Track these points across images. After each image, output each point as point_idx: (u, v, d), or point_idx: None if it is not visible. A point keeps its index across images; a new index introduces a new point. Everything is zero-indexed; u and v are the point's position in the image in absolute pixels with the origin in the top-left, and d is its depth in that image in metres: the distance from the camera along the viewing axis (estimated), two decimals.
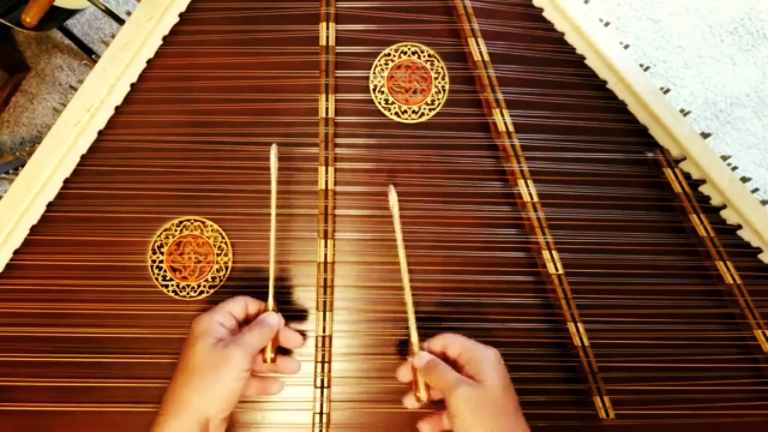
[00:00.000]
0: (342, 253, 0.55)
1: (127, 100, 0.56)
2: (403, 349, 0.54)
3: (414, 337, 0.49)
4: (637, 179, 0.58)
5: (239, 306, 0.49)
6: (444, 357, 0.48)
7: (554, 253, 0.55)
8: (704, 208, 0.57)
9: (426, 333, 0.55)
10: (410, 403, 0.49)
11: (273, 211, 0.51)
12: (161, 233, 0.55)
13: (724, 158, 0.56)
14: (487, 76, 0.57)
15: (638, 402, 0.54)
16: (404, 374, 0.49)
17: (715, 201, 0.57)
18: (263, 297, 0.52)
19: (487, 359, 0.46)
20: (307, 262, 0.55)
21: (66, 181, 0.55)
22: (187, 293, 0.54)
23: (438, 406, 0.49)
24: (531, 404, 0.53)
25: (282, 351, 0.52)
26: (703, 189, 0.58)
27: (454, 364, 0.47)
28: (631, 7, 1.53)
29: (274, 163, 0.51)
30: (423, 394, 0.48)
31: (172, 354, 0.53)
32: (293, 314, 0.54)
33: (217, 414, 0.44)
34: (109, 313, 0.54)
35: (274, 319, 0.49)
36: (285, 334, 0.51)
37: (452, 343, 0.48)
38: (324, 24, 0.57)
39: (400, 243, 0.51)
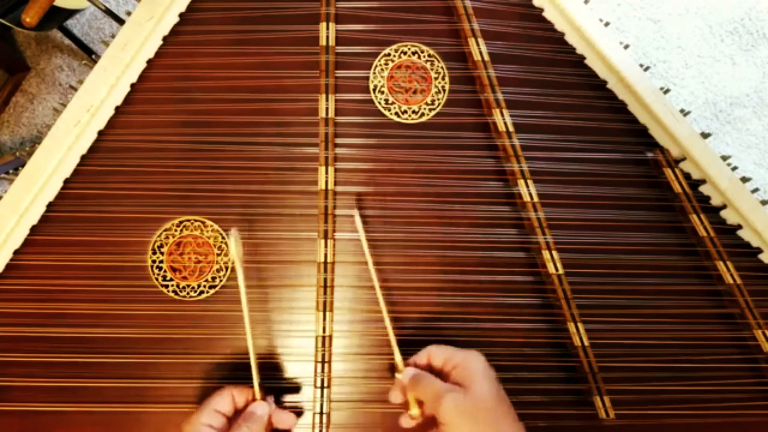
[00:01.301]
0: (342, 253, 0.55)
1: (127, 100, 0.56)
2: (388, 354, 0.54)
3: (397, 356, 0.49)
4: (637, 179, 0.58)
5: (225, 401, 0.47)
6: (429, 369, 0.47)
7: (554, 253, 0.55)
8: (704, 208, 0.57)
9: (426, 334, 0.55)
10: (406, 422, 0.48)
11: (243, 298, 0.49)
12: (161, 233, 0.55)
13: (724, 158, 0.56)
14: (487, 76, 0.57)
15: (638, 402, 0.54)
16: (396, 396, 0.48)
17: (715, 201, 0.57)
18: (264, 299, 0.52)
19: (472, 363, 0.45)
20: (307, 262, 0.55)
21: (66, 181, 0.55)
22: (187, 293, 0.54)
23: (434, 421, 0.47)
24: (531, 404, 0.53)
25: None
26: (703, 189, 0.58)
27: (441, 374, 0.46)
28: (631, 7, 1.53)
29: (233, 248, 0.48)
30: (415, 411, 0.47)
31: (172, 354, 0.54)
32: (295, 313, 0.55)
33: None
34: (109, 313, 0.54)
35: (262, 409, 0.47)
36: (278, 417, 0.49)
37: (435, 353, 0.47)
38: (324, 24, 0.57)
39: (370, 264, 0.51)
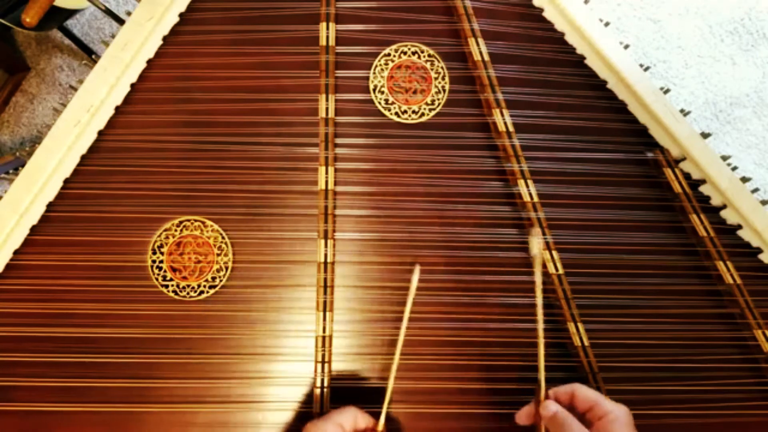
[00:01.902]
0: (342, 253, 0.55)
1: (127, 100, 0.56)
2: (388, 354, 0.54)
3: (542, 383, 0.48)
4: (637, 179, 0.58)
5: (349, 419, 0.48)
6: (570, 407, 0.47)
7: (554, 253, 0.55)
8: (704, 208, 0.57)
9: (427, 334, 0.55)
10: None
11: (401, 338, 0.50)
12: (161, 233, 0.55)
13: (724, 158, 0.56)
14: (487, 76, 0.57)
15: (638, 402, 0.54)
16: (524, 418, 0.48)
17: (715, 201, 0.57)
18: (264, 299, 0.52)
19: (620, 420, 0.44)
20: (307, 262, 0.55)
21: (66, 181, 0.55)
22: (187, 293, 0.54)
23: None
24: None
25: None
26: (703, 189, 0.58)
27: (581, 417, 0.45)
28: (631, 7, 1.53)
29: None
30: None
31: (172, 354, 0.54)
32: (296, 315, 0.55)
33: None
34: (109, 313, 0.54)
35: None
36: None
37: (582, 395, 0.46)
38: (324, 24, 0.57)
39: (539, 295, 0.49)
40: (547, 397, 0.47)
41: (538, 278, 0.48)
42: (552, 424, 0.45)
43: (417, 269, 0.51)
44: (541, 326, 0.48)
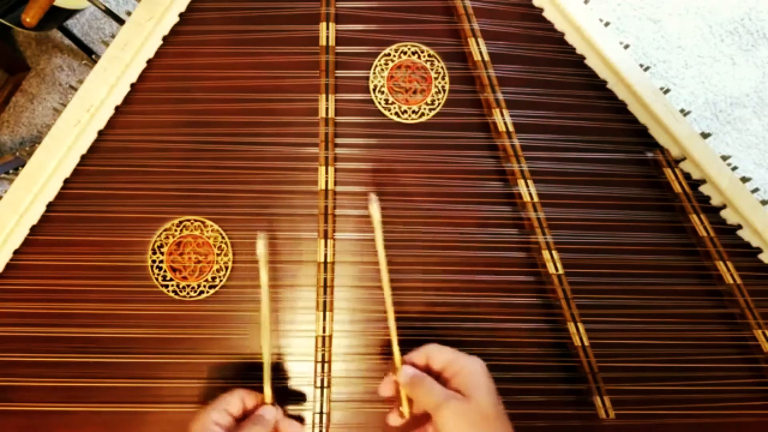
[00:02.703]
0: (342, 253, 0.55)
1: (127, 100, 0.56)
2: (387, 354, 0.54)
3: (396, 351, 0.47)
4: (637, 179, 0.58)
5: (235, 402, 0.47)
6: (427, 370, 0.46)
7: (554, 253, 0.55)
8: (704, 208, 0.57)
9: (427, 334, 0.55)
10: (394, 420, 0.47)
11: (265, 306, 0.49)
12: (161, 233, 0.55)
13: (724, 158, 0.56)
14: (487, 76, 0.57)
15: (638, 402, 0.54)
16: (386, 389, 0.48)
17: (715, 201, 0.57)
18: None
19: (475, 372, 0.44)
20: (307, 262, 0.55)
21: (66, 181, 0.55)
22: (187, 293, 0.54)
23: (422, 420, 0.47)
24: (531, 404, 0.53)
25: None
26: (703, 189, 0.58)
27: (439, 377, 0.45)
28: (631, 7, 1.53)
29: (261, 252, 0.49)
30: (406, 409, 0.46)
31: (172, 354, 0.54)
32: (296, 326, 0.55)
33: None
34: (109, 313, 0.54)
35: (270, 413, 0.47)
36: (284, 424, 0.49)
37: (436, 355, 0.46)
38: (324, 24, 0.57)
39: (381, 254, 0.49)
40: (403, 363, 0.47)
41: (378, 240, 0.48)
42: (411, 388, 0.45)
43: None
44: (388, 295, 0.48)
